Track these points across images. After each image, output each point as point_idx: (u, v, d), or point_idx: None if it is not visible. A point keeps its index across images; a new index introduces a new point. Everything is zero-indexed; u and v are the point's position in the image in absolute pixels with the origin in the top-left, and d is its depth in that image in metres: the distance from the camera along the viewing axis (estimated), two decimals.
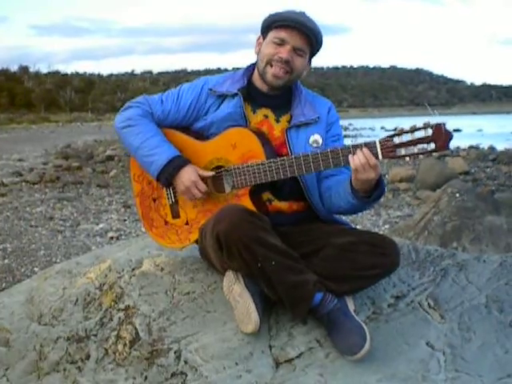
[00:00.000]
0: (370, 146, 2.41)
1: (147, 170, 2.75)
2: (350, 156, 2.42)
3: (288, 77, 2.72)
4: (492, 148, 24.32)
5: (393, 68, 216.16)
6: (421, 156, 2.34)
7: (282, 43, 2.67)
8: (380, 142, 2.40)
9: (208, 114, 2.80)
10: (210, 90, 2.80)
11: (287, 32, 2.65)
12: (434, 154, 2.33)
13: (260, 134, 2.69)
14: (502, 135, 34.56)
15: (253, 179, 2.62)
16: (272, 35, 2.70)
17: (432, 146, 2.31)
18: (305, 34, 2.65)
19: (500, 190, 12.96)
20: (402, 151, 2.36)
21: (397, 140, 2.36)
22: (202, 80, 2.89)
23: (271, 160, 2.58)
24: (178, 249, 2.95)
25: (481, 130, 43.74)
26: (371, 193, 2.52)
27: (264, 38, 2.76)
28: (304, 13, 2.71)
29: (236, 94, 2.75)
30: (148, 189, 2.92)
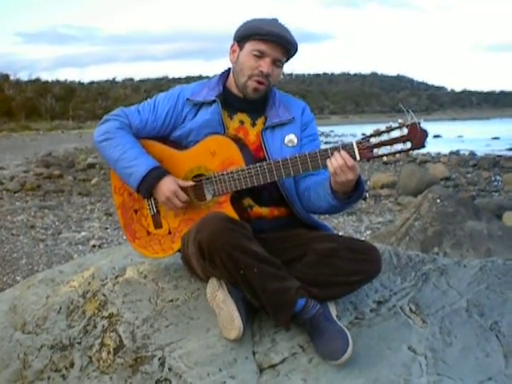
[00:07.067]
0: (348, 147, 2.44)
1: (127, 181, 2.74)
2: (327, 159, 2.45)
3: (266, 88, 2.75)
4: (472, 154, 24.60)
5: (374, 75, 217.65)
6: (398, 155, 2.39)
7: (261, 56, 2.67)
8: (357, 143, 2.43)
9: (185, 121, 2.81)
10: (188, 99, 2.81)
11: (267, 45, 2.65)
12: (411, 152, 2.38)
13: (238, 141, 2.71)
14: (482, 141, 34.88)
15: (233, 186, 2.63)
16: (251, 47, 2.69)
17: (408, 144, 2.35)
18: (284, 47, 2.68)
19: (481, 195, 13.09)
20: (379, 151, 2.40)
21: (373, 140, 2.41)
22: (178, 89, 2.89)
23: (250, 166, 2.60)
24: (161, 258, 2.96)
25: (461, 135, 44.03)
26: (351, 193, 2.55)
27: (240, 47, 2.75)
28: (277, 20, 2.73)
29: (214, 101, 2.76)
30: (129, 200, 2.91)
